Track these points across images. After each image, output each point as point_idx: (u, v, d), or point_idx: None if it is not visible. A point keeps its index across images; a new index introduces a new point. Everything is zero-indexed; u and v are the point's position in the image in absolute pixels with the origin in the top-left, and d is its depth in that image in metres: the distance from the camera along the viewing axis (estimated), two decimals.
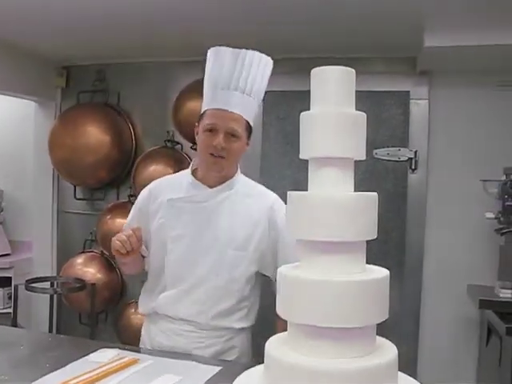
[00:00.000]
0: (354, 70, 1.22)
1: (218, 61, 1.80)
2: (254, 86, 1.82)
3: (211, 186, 1.86)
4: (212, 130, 1.78)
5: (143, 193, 1.99)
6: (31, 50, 3.56)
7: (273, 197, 1.95)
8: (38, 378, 1.51)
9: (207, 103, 1.83)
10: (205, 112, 1.83)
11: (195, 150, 3.52)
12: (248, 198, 1.90)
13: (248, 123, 1.83)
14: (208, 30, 2.95)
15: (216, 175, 1.85)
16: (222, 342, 1.87)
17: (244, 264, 1.84)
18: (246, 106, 1.81)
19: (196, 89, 3.51)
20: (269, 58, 1.88)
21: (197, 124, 1.87)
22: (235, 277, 1.84)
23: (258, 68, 1.83)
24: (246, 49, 1.83)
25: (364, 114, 1.21)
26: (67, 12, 2.70)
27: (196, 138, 1.87)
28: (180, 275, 1.85)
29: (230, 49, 1.81)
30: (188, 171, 1.93)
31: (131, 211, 2.01)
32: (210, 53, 1.85)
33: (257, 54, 1.83)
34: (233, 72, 1.78)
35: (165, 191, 1.91)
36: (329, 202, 1.14)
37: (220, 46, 1.83)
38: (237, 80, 1.78)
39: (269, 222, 1.87)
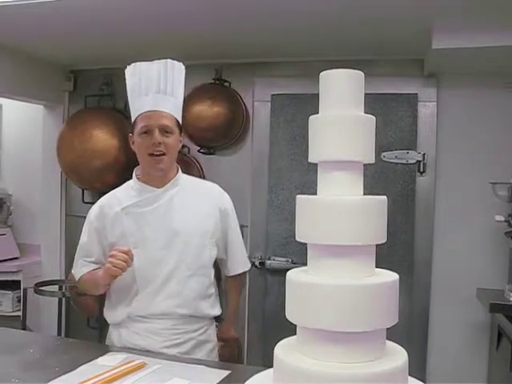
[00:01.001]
0: (362, 73, 1.22)
1: (135, 73, 1.96)
2: (173, 88, 1.96)
3: (158, 187, 1.97)
4: (147, 132, 1.91)
5: (94, 211, 2.05)
6: (39, 55, 3.58)
7: (217, 187, 2.13)
8: (48, 381, 1.52)
9: (136, 110, 1.96)
10: (136, 120, 1.95)
11: (203, 153, 3.59)
12: (195, 190, 2.05)
13: (177, 120, 1.97)
14: (215, 33, 2.96)
15: (160, 174, 1.96)
16: (197, 336, 1.98)
17: (207, 249, 2.00)
18: (171, 105, 1.95)
19: (203, 92, 3.55)
20: (180, 63, 2.00)
21: (131, 135, 1.99)
22: (202, 262, 1.99)
23: (172, 72, 1.96)
24: (170, 55, 1.97)
25: (373, 116, 1.21)
26: (75, 17, 2.71)
27: (132, 147, 1.99)
28: (150, 276, 1.93)
29: (144, 62, 1.95)
30: (133, 179, 2.04)
31: (85, 231, 2.07)
32: (127, 70, 1.99)
33: (169, 61, 1.96)
34: (151, 78, 1.93)
35: (117, 203, 2.00)
36: (338, 206, 1.14)
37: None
38: (157, 84, 1.92)
39: (219, 210, 2.05)
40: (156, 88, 1.91)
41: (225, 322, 2.23)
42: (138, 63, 1.96)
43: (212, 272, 2.05)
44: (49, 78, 3.82)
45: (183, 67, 2.01)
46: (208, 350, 2.02)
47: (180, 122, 2.00)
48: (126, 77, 1.99)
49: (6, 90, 3.53)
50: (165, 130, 1.91)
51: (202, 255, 1.99)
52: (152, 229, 1.94)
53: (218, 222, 2.04)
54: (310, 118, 1.22)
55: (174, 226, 1.94)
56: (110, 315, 2.03)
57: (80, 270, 2.04)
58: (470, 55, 2.74)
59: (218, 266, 2.15)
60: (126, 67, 2.00)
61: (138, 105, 1.95)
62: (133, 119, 1.98)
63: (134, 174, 2.05)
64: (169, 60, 1.95)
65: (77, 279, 2.07)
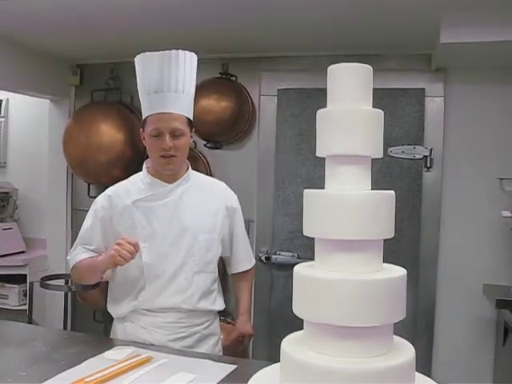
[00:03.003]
0: (370, 67, 1.21)
1: (146, 66, 1.91)
2: (184, 84, 1.92)
3: (169, 182, 1.98)
4: (157, 135, 1.89)
5: (101, 201, 2.02)
6: (45, 49, 3.58)
7: (224, 184, 2.15)
8: (55, 374, 1.52)
9: (146, 110, 1.94)
10: (146, 119, 1.93)
11: (209, 147, 3.58)
12: (204, 188, 2.06)
13: (188, 118, 1.94)
14: (221, 28, 2.95)
15: (170, 173, 1.97)
16: (202, 330, 2.00)
17: (214, 245, 2.02)
18: (182, 104, 1.92)
19: (209, 87, 3.54)
20: (192, 53, 1.96)
21: (142, 129, 1.98)
22: (209, 258, 2.00)
23: (184, 65, 1.92)
24: (176, 49, 1.91)
25: (381, 111, 1.20)
26: (81, 11, 2.71)
27: (144, 142, 1.98)
28: (158, 270, 1.94)
29: (155, 52, 1.90)
30: (143, 172, 2.03)
31: (89, 219, 2.03)
32: (137, 60, 1.95)
33: (181, 52, 1.92)
34: (162, 74, 1.88)
35: (126, 195, 1.99)
36: (346, 201, 1.13)
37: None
38: (168, 81, 1.88)
39: (227, 208, 2.07)
40: (167, 86, 1.87)
41: (242, 317, 2.16)
42: (147, 54, 1.90)
43: (216, 269, 2.06)
44: (55, 72, 3.82)
45: (195, 57, 1.97)
46: (212, 344, 2.03)
47: (191, 119, 1.97)
48: (136, 68, 1.95)
49: (12, 84, 3.53)
50: (176, 133, 1.89)
51: (209, 252, 2.00)
52: (162, 224, 1.94)
53: (225, 219, 2.06)
54: (318, 112, 1.21)
55: (184, 222, 1.95)
56: (114, 309, 2.02)
57: (77, 256, 2.00)
58: (478, 50, 2.72)
59: (222, 263, 2.16)
60: (132, 61, 1.98)
61: (149, 102, 1.91)
62: (143, 115, 1.95)
63: (144, 167, 2.04)
64: (180, 51, 1.90)
65: (71, 265, 2.01)
